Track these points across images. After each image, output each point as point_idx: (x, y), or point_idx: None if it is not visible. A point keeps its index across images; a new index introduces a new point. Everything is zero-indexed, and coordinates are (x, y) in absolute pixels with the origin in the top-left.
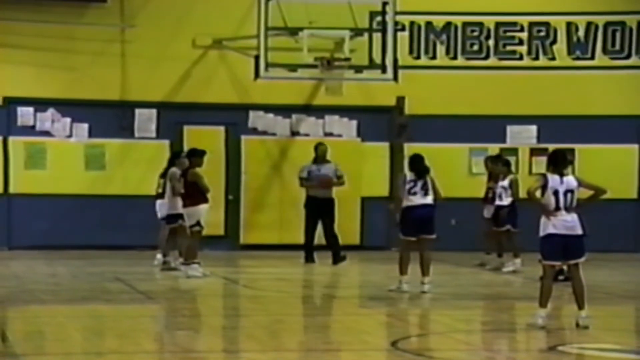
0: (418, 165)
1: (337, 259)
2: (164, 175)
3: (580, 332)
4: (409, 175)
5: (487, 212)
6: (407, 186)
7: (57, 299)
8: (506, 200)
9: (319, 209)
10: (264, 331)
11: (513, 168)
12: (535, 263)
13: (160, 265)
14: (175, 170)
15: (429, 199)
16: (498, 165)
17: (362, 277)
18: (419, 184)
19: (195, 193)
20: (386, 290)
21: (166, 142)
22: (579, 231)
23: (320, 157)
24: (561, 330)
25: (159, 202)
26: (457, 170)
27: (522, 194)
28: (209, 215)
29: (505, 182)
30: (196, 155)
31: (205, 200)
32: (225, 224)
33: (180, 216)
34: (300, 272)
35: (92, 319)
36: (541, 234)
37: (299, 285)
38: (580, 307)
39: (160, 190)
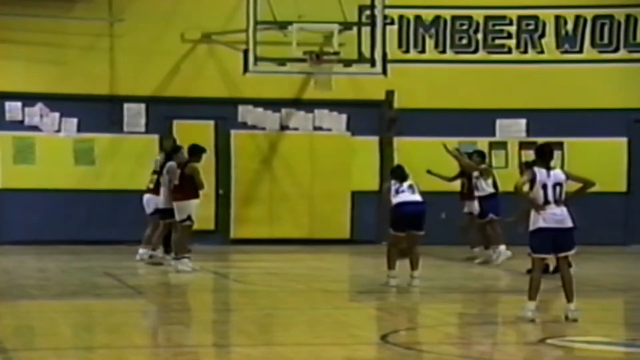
0: (399, 172)
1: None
2: (158, 171)
3: (569, 324)
4: (392, 180)
5: (467, 207)
6: (394, 187)
7: (47, 294)
8: (482, 191)
9: None
10: (254, 325)
11: (502, 161)
12: (523, 256)
13: (143, 259)
14: (173, 164)
15: (418, 197)
16: (473, 158)
17: (352, 271)
18: (405, 184)
19: (188, 187)
20: (377, 284)
21: (155, 137)
22: (569, 224)
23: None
24: (550, 323)
25: (146, 196)
26: (446, 164)
27: (502, 186)
28: (199, 210)
29: (476, 173)
30: (197, 151)
31: (197, 196)
32: (215, 219)
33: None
34: (291, 267)
35: (82, 314)
36: (531, 227)
37: (289, 280)
38: (569, 299)
39: (151, 186)
